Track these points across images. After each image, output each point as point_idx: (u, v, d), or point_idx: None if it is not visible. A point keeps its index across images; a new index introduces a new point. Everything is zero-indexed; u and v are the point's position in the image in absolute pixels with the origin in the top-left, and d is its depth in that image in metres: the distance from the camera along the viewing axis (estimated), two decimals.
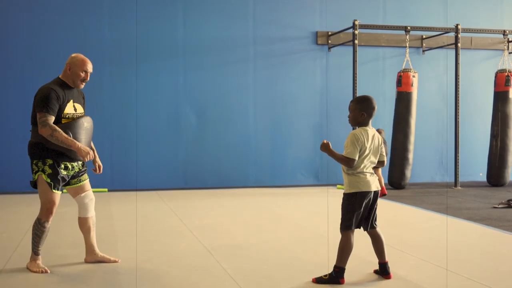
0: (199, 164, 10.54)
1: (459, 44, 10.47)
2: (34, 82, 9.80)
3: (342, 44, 10.92)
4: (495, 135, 10.83)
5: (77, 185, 4.53)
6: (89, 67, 4.46)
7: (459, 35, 10.46)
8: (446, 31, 10.73)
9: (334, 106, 11.06)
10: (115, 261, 4.68)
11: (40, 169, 4.31)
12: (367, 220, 4.18)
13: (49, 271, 4.41)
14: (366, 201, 4.08)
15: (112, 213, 7.53)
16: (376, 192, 4.15)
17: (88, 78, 4.49)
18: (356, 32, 10.00)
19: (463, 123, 11.05)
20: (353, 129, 4.20)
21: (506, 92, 10.71)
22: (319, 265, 4.62)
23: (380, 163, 4.23)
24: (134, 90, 10.24)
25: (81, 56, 4.48)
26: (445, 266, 4.63)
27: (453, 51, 11.05)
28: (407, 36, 10.41)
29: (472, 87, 11.65)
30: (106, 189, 9.88)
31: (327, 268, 4.37)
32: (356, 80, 10.06)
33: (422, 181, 11.41)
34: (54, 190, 4.33)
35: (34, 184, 4.42)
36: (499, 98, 10.81)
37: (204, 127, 10.56)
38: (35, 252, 4.46)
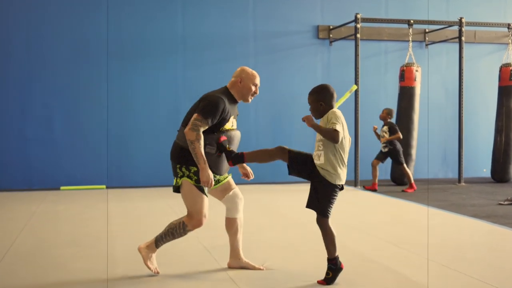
0: None
1: (463, 38, 10.30)
2: (32, 80, 9.69)
3: (344, 38, 10.75)
4: (500, 130, 10.67)
5: (218, 185, 4.29)
6: (259, 81, 4.27)
7: (463, 29, 10.29)
8: (450, 24, 10.55)
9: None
10: (259, 269, 4.40)
11: (186, 175, 4.10)
12: None
13: (159, 273, 4.23)
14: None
15: (110, 210, 7.38)
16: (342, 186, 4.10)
17: (258, 92, 4.30)
18: (358, 26, 9.84)
19: (467, 118, 10.88)
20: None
21: (511, 87, 10.53)
22: (321, 265, 4.47)
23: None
24: (133, 86, 10.09)
25: (251, 69, 4.28)
26: (451, 265, 4.48)
27: (457, 45, 10.87)
28: (410, 30, 10.24)
29: (476, 82, 11.48)
30: (104, 186, 9.75)
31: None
32: (358, 74, 9.90)
33: (425, 177, 11.25)
34: (204, 195, 4.11)
35: (176, 189, 4.21)
36: (504, 92, 10.63)
37: None
38: (157, 245, 4.23)
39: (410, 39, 10.29)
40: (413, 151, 10.19)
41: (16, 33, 9.66)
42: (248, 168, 4.48)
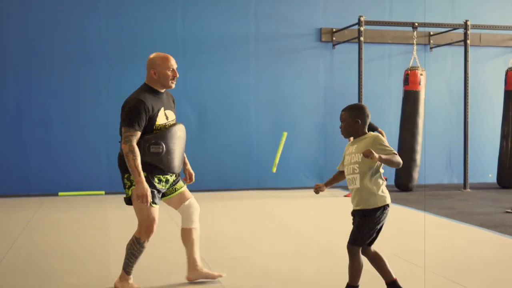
0: (199, 165, 10.13)
1: (468, 41, 10.10)
2: (30, 83, 9.50)
3: (347, 41, 10.55)
4: (506, 135, 10.47)
5: (174, 194, 4.11)
6: (174, 63, 4.04)
7: (468, 32, 10.09)
8: (455, 27, 10.36)
9: (338, 105, 10.54)
10: (220, 276, 4.27)
11: (133, 184, 3.89)
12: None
13: None
14: (385, 215, 3.71)
15: (108, 218, 7.20)
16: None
17: (177, 74, 4.05)
18: (362, 28, 9.64)
19: (472, 122, 10.66)
20: (355, 137, 3.78)
21: None
22: (326, 281, 4.28)
23: None
24: (132, 89, 9.87)
25: (161, 54, 4.06)
26: (463, 283, 4.28)
27: (462, 48, 10.68)
28: (415, 33, 10.04)
29: (481, 85, 11.27)
30: (103, 192, 9.57)
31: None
32: (361, 78, 9.71)
33: (430, 182, 11.05)
34: (152, 204, 3.91)
35: (128, 200, 4.00)
36: (510, 97, 10.43)
37: (204, 127, 10.22)
38: (127, 272, 4.03)
39: (415, 42, 10.08)
40: (418, 156, 10.00)
41: (13, 35, 9.48)
42: (191, 170, 4.34)
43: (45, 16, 9.57)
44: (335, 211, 7.90)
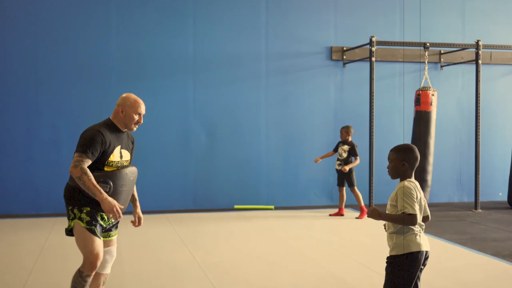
0: (209, 183, 10.19)
1: (480, 61, 10.07)
2: (40, 103, 9.49)
3: (358, 60, 10.53)
4: None
5: (106, 238, 4.11)
6: (143, 109, 4.06)
7: (480, 52, 10.06)
8: (465, 47, 10.33)
9: (348, 123, 10.66)
10: None
11: (77, 217, 3.89)
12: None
13: None
14: (417, 264, 3.58)
15: (118, 242, 7.16)
16: (427, 253, 3.64)
17: (142, 121, 4.08)
18: (373, 49, 9.63)
19: (482, 141, 10.62)
20: (400, 180, 3.71)
21: None
22: None
23: (425, 218, 3.72)
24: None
25: (134, 96, 4.07)
26: None
27: (473, 66, 10.66)
28: (426, 53, 10.01)
29: (492, 103, 11.24)
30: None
31: None
32: (373, 98, 9.69)
33: (440, 201, 11.00)
34: (95, 237, 3.89)
35: (69, 232, 3.99)
36: None
37: (214, 145, 10.21)
38: None
39: (426, 62, 10.06)
40: (429, 177, 9.96)
41: (24, 54, 9.48)
42: (141, 214, 4.33)
43: (56, 35, 9.57)
44: (350, 237, 7.85)
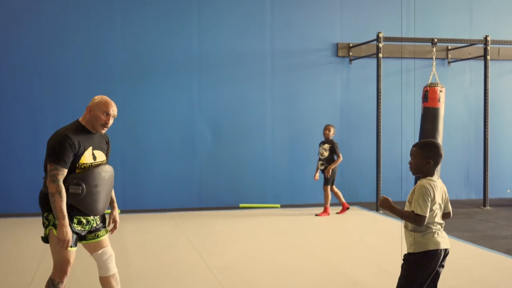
0: (214, 182, 10.09)
1: (488, 57, 9.94)
2: (45, 103, 9.40)
3: (364, 56, 10.42)
4: None
5: (94, 240, 3.96)
6: (113, 110, 3.88)
7: (488, 47, 9.93)
8: (474, 43, 10.20)
9: (355, 121, 10.58)
10: None
11: (51, 223, 3.78)
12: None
13: None
14: (434, 262, 3.49)
15: (124, 242, 7.07)
16: (446, 251, 3.55)
17: (111, 122, 3.90)
18: (380, 45, 9.51)
19: (490, 137, 10.49)
20: (417, 178, 3.60)
21: None
22: None
23: (446, 215, 3.63)
24: (147, 107, 9.80)
25: (105, 97, 3.91)
26: None
27: (480, 62, 10.53)
28: (434, 49, 9.88)
29: (499, 99, 11.11)
30: (119, 211, 9.44)
31: None
32: (380, 95, 9.58)
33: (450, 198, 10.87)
34: (68, 248, 3.79)
35: (45, 240, 3.87)
36: None
37: (219, 144, 10.11)
38: None
39: (434, 58, 9.92)
40: (435, 174, 9.81)
41: (29, 55, 9.39)
42: (117, 217, 4.13)
43: (61, 36, 9.48)
44: (355, 233, 7.75)
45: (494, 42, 10.12)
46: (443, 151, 3.58)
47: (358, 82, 10.60)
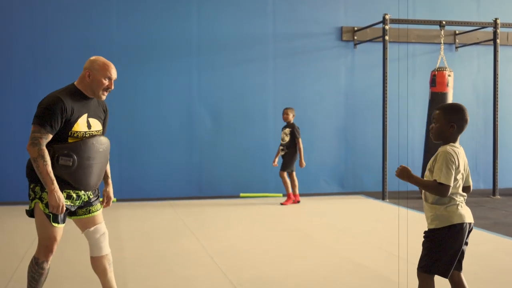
0: (214, 170, 9.75)
1: (498, 40, 9.60)
2: (37, 86, 9.05)
3: (369, 40, 10.07)
4: None
5: (85, 216, 3.59)
6: (114, 73, 3.54)
7: (498, 31, 9.59)
8: (484, 26, 9.85)
9: (360, 108, 10.23)
10: None
11: (38, 196, 3.42)
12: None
13: None
14: (460, 238, 3.14)
15: (119, 229, 6.75)
16: (471, 226, 3.21)
17: (113, 87, 3.57)
18: (387, 27, 9.16)
19: (499, 125, 10.14)
20: (441, 144, 3.22)
21: None
22: None
23: (466, 188, 3.27)
24: (145, 92, 9.46)
25: (103, 59, 3.56)
26: None
27: (488, 48, 10.20)
28: (442, 32, 9.53)
29: (508, 87, 10.75)
30: (114, 199, 9.10)
31: None
32: (386, 79, 9.24)
33: None
34: (54, 224, 3.42)
35: (30, 214, 3.51)
36: None
37: (219, 131, 9.76)
38: None
39: (442, 42, 9.57)
40: None
41: (21, 37, 9.04)
42: (111, 193, 3.78)
43: (57, 19, 9.13)
44: (361, 220, 7.41)
45: (504, 25, 9.77)
46: (468, 116, 3.22)
47: (363, 67, 10.25)
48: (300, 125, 9.99)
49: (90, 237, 3.63)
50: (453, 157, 3.10)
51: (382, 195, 9.28)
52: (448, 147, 3.14)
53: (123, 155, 9.25)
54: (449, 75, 9.35)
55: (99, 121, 3.61)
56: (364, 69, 10.23)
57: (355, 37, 10.12)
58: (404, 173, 3.16)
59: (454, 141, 3.18)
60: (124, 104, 9.22)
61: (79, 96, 3.50)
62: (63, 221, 3.48)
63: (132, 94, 9.37)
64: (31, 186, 3.47)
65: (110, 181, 3.80)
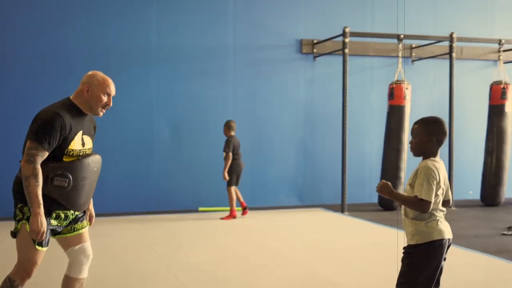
0: (173, 184, 9.55)
1: (453, 54, 9.79)
2: (16, 96, 8.71)
3: (329, 53, 10.11)
4: (490, 151, 10.18)
5: (70, 234, 3.40)
6: (113, 89, 3.41)
7: (454, 45, 9.78)
8: (440, 40, 10.03)
9: (319, 120, 10.25)
10: None
11: (25, 217, 3.20)
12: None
13: None
14: (439, 254, 3.11)
15: (112, 242, 6.47)
16: (450, 241, 3.18)
17: (111, 104, 3.41)
18: (347, 40, 9.21)
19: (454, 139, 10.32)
20: (422, 159, 3.18)
21: (502, 106, 10.07)
22: None
23: (446, 202, 3.23)
24: None
25: (102, 74, 3.43)
26: None
27: (443, 61, 10.40)
28: (400, 45, 9.67)
29: (463, 100, 10.97)
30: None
31: None
32: (346, 92, 9.28)
33: None
34: (37, 247, 3.20)
35: (15, 235, 3.26)
36: (494, 112, 10.16)
37: (178, 143, 9.59)
38: None
39: (400, 55, 9.71)
40: (402, 174, 9.58)
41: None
42: (93, 211, 3.66)
43: (17, 26, 8.80)
44: (325, 233, 7.38)
45: (460, 39, 9.97)
46: (447, 129, 3.20)
47: (322, 79, 10.28)
48: (259, 137, 9.96)
49: (74, 256, 3.43)
50: (434, 172, 3.07)
51: (341, 208, 9.28)
52: (429, 162, 3.12)
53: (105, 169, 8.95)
54: (406, 88, 9.47)
55: (91, 138, 3.47)
56: (323, 82, 10.26)
57: (315, 50, 10.14)
58: (384, 189, 3.13)
59: (434, 155, 3.16)
60: None
61: (75, 112, 3.34)
62: (47, 244, 3.27)
63: None
64: (19, 206, 3.25)
65: (91, 199, 3.59)
